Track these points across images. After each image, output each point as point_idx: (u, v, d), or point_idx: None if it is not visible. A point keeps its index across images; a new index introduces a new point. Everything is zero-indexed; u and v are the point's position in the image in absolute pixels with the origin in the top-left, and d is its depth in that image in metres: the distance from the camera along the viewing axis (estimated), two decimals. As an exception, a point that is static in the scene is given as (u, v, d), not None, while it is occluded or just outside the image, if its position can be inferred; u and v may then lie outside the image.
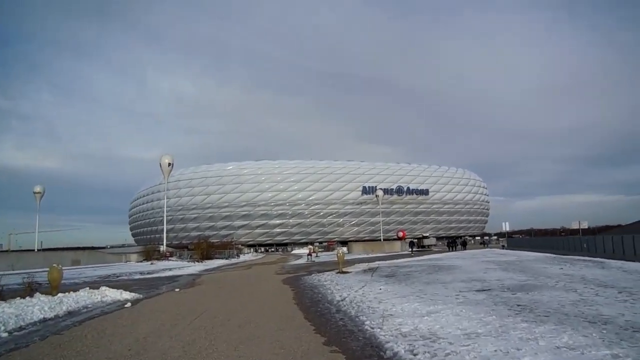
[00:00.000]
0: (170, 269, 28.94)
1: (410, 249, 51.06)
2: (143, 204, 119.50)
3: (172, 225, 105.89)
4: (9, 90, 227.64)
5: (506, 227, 54.10)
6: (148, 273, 25.30)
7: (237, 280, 18.83)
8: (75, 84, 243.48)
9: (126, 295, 12.90)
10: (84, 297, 12.12)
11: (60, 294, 12.06)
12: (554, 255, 28.30)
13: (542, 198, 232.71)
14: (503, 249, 49.42)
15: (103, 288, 13.07)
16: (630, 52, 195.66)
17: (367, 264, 26.71)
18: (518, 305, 8.85)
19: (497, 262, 22.23)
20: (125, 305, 11.28)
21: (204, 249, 43.35)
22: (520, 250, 41.32)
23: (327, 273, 20.23)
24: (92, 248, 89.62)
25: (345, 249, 32.47)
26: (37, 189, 67.09)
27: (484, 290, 11.57)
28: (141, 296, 13.18)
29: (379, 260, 31.56)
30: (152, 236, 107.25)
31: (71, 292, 12.42)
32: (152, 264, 37.84)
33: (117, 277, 22.96)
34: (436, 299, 10.24)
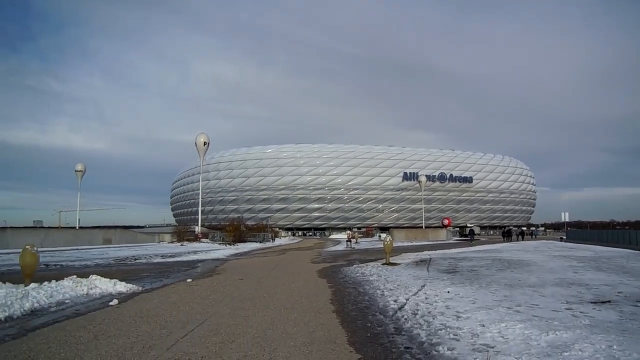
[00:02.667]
0: (197, 252, 26.56)
1: (470, 238, 47.25)
2: (183, 185, 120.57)
3: (212, 207, 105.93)
4: (62, 75, 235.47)
5: (566, 217, 49.15)
6: (171, 256, 22.91)
7: (264, 269, 15.95)
8: (123, 69, 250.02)
9: (120, 287, 10.21)
10: (66, 289, 9.48)
11: (33, 284, 9.46)
12: (636, 251, 24.05)
13: (588, 190, 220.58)
14: (562, 241, 44.76)
15: (93, 277, 10.42)
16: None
17: (415, 253, 23.40)
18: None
19: (577, 259, 18.45)
20: (110, 303, 8.54)
21: (236, 232, 40.95)
22: (586, 243, 36.76)
23: (371, 264, 17.11)
24: (129, 227, 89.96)
25: (388, 236, 29.20)
26: (79, 167, 67.35)
27: (603, 302, 8.12)
28: (139, 289, 10.46)
29: (427, 249, 28.14)
30: (191, 217, 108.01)
31: (52, 282, 9.83)
32: (181, 245, 35.86)
33: (135, 259, 20.64)
34: (542, 315, 6.92)
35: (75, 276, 10.43)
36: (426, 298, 8.77)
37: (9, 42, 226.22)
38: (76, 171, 66.70)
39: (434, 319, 6.79)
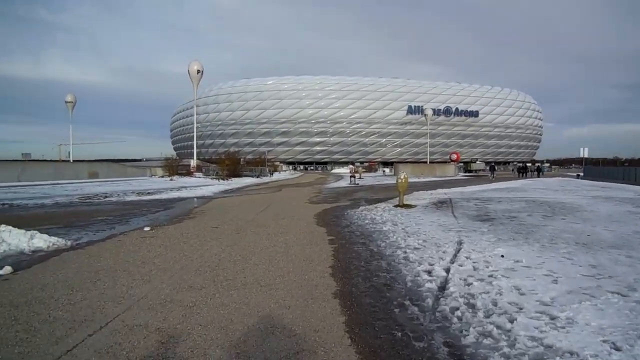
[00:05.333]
0: (183, 188, 23.73)
1: (491, 174, 44.34)
2: (182, 118, 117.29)
3: (212, 141, 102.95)
4: (53, 4, 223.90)
5: (584, 153, 45.77)
6: (150, 193, 20.07)
7: (251, 212, 13.05)
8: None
9: (39, 242, 7.31)
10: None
11: None
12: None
13: (592, 126, 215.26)
14: (579, 178, 41.81)
15: (2, 228, 7.49)
16: None
17: (429, 192, 20.52)
18: None
19: (625, 201, 15.54)
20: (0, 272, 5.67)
21: (230, 165, 37.91)
22: (607, 181, 33.72)
23: (382, 205, 14.22)
24: (127, 160, 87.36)
25: (403, 172, 26.16)
26: (69, 98, 63.93)
27: None
28: (67, 244, 7.58)
29: (440, 187, 25.26)
30: (189, 150, 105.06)
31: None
32: (171, 179, 33.06)
33: (105, 197, 17.80)
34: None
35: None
36: (474, 268, 5.84)
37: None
38: (66, 102, 63.40)
39: (512, 323, 3.85)
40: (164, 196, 18.74)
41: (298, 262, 6.43)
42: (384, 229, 9.45)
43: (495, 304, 4.39)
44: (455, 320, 4.03)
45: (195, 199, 18.08)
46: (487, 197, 16.86)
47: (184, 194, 20.12)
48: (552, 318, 3.96)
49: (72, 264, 6.18)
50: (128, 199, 17.44)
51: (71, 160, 60.13)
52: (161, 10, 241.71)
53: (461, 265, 5.99)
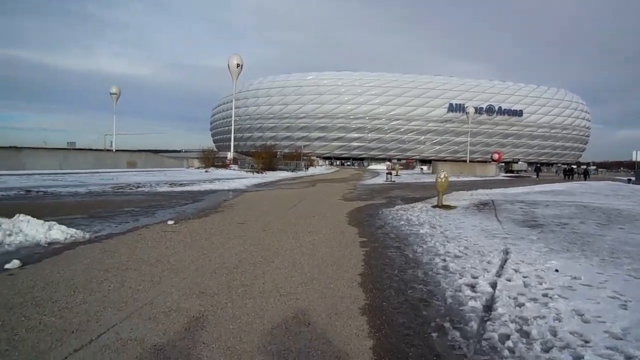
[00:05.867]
0: (217, 180, 23.55)
1: (536, 176, 42.66)
2: (222, 111, 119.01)
3: (250, 134, 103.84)
4: (104, 0, 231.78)
5: (637, 156, 43.03)
6: (183, 184, 19.91)
7: (281, 208, 12.54)
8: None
9: (56, 233, 7.00)
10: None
11: None
12: None
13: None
14: (631, 183, 39.36)
15: (20, 218, 7.21)
16: None
17: (469, 192, 19.54)
18: None
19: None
20: (7, 266, 5.31)
21: (265, 159, 37.65)
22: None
23: (419, 205, 13.46)
24: (167, 151, 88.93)
25: (443, 171, 25.18)
26: (113, 89, 65.70)
27: None
28: (86, 236, 7.25)
29: (480, 187, 24.13)
30: (228, 143, 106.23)
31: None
32: (206, 171, 33.13)
33: (137, 187, 17.71)
34: None
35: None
36: (525, 284, 5.08)
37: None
38: (111, 93, 65.20)
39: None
40: (195, 188, 18.53)
41: (325, 266, 5.83)
42: (421, 231, 8.72)
43: (554, 333, 3.66)
44: (506, 353, 3.33)
45: (227, 191, 17.78)
46: (533, 201, 15.77)
47: (216, 186, 19.88)
48: (629, 358, 3.20)
49: (84, 260, 5.79)
50: (160, 189, 17.30)
51: (114, 150, 61.69)
52: (207, 7, 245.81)
53: (509, 280, 5.24)
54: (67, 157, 32.44)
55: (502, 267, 5.94)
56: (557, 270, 5.74)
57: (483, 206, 13.64)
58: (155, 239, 7.31)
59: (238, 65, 50.02)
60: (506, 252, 6.86)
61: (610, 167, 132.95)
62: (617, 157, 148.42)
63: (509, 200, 15.87)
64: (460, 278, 5.33)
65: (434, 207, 13.04)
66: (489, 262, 6.15)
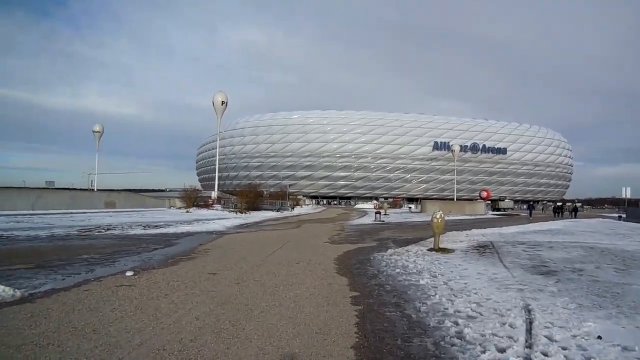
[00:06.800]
0: (196, 222, 22.15)
1: (529, 214, 42.16)
2: (208, 150, 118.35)
3: (236, 173, 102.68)
4: (92, 40, 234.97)
5: (627, 193, 42.68)
6: (158, 226, 18.48)
7: (261, 253, 11.24)
8: (151, 35, 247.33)
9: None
10: None
11: None
12: None
13: (625, 166, 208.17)
14: (622, 220, 38.78)
15: None
16: None
17: (464, 233, 18.45)
18: None
19: None
20: None
21: (249, 198, 36.30)
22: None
23: (414, 249, 12.27)
24: (153, 191, 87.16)
25: (439, 211, 24.05)
26: (97, 128, 64.79)
27: None
28: (15, 295, 5.88)
29: (474, 227, 23.10)
30: (214, 182, 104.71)
31: None
32: (187, 212, 31.68)
33: (107, 230, 16.28)
34: None
35: None
36: (570, 361, 3.91)
37: (41, 6, 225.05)
38: (94, 132, 64.19)
39: None
40: (171, 230, 17.15)
41: (309, 336, 4.58)
42: (421, 282, 7.52)
43: None
44: None
45: (205, 234, 16.42)
46: (534, 242, 14.69)
47: (195, 228, 18.50)
48: None
49: (-1, 330, 4.48)
50: (132, 232, 15.90)
51: (95, 190, 59.92)
52: (194, 47, 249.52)
53: (547, 355, 4.05)
54: (41, 197, 30.81)
55: (529, 332, 4.75)
56: (600, 337, 4.57)
57: (483, 249, 12.51)
58: (103, 298, 5.99)
59: (223, 102, 49.40)
60: (528, 310, 5.68)
61: (594, 205, 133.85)
62: (599, 194, 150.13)
63: (508, 241, 14.78)
64: (484, 353, 4.11)
65: (430, 250, 11.89)
66: (512, 326, 4.96)
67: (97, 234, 15.07)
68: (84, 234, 14.91)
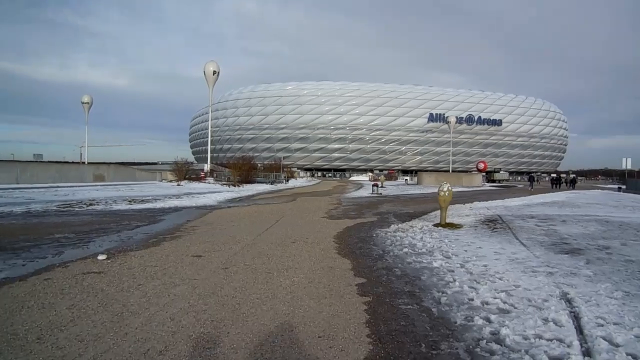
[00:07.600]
0: (188, 195, 21.17)
1: (530, 186, 41.52)
2: (201, 122, 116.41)
3: (230, 145, 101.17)
4: (81, 8, 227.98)
5: (627, 164, 42.00)
6: (145, 200, 17.47)
7: (253, 230, 10.31)
8: (143, 3, 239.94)
9: None
10: None
11: None
12: None
13: (620, 137, 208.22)
14: (621, 191, 38.20)
15: None
16: None
17: (467, 205, 17.61)
18: None
19: None
20: None
21: (241, 171, 35.20)
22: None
23: (418, 224, 11.38)
24: (144, 163, 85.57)
25: (446, 183, 23.05)
26: (85, 99, 63.18)
27: None
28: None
29: (474, 199, 22.29)
30: (207, 155, 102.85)
31: None
32: (178, 185, 30.65)
33: (89, 205, 15.23)
34: None
35: None
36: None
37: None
38: (82, 103, 62.57)
39: None
40: (158, 205, 16.15)
41: (309, 343, 3.65)
42: (434, 264, 6.62)
43: None
44: None
45: (194, 209, 15.44)
46: (544, 215, 13.84)
47: (183, 202, 17.51)
48: None
49: None
50: (115, 207, 14.90)
51: (86, 163, 58.61)
52: (187, 16, 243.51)
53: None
54: (25, 170, 29.60)
55: (581, 332, 3.86)
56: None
57: (493, 224, 11.63)
58: (62, 290, 5.03)
59: (214, 72, 47.79)
60: (568, 300, 4.78)
61: (587, 175, 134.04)
62: (591, 166, 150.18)
63: (516, 215, 13.92)
64: (535, 365, 3.21)
65: (437, 225, 11.00)
66: (556, 323, 4.05)
67: (77, 209, 14.05)
68: (63, 209, 13.88)
